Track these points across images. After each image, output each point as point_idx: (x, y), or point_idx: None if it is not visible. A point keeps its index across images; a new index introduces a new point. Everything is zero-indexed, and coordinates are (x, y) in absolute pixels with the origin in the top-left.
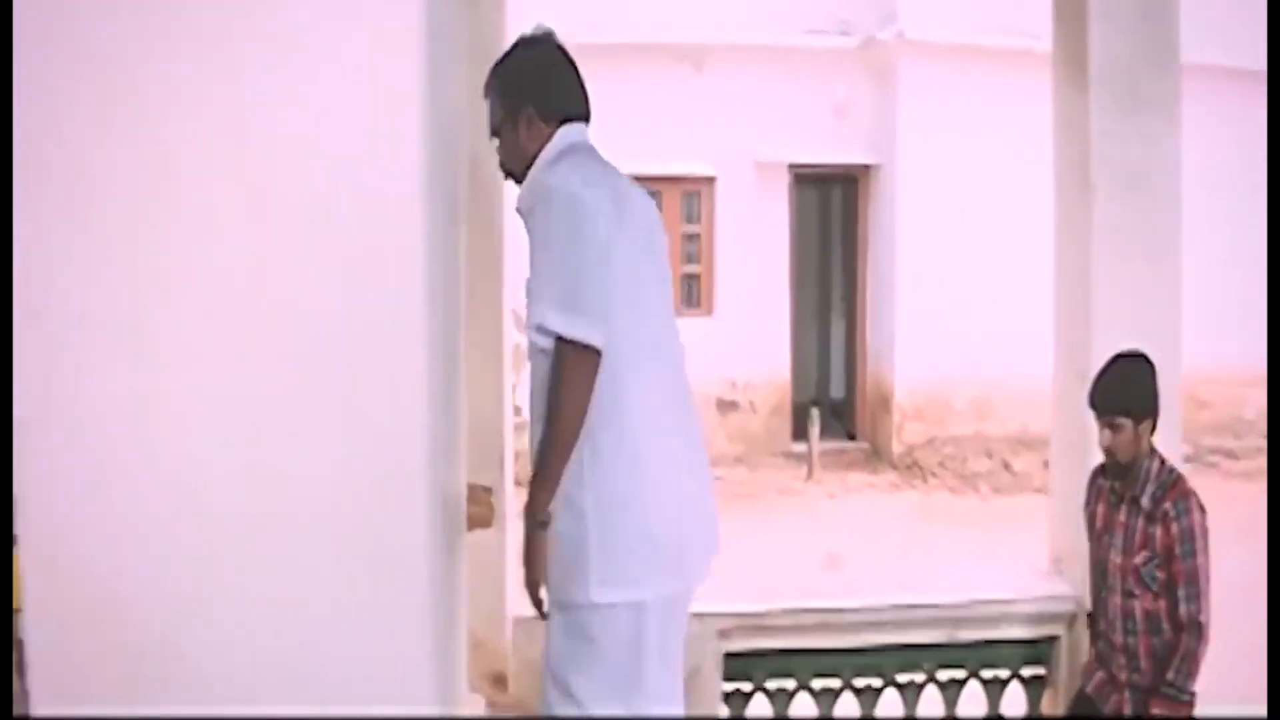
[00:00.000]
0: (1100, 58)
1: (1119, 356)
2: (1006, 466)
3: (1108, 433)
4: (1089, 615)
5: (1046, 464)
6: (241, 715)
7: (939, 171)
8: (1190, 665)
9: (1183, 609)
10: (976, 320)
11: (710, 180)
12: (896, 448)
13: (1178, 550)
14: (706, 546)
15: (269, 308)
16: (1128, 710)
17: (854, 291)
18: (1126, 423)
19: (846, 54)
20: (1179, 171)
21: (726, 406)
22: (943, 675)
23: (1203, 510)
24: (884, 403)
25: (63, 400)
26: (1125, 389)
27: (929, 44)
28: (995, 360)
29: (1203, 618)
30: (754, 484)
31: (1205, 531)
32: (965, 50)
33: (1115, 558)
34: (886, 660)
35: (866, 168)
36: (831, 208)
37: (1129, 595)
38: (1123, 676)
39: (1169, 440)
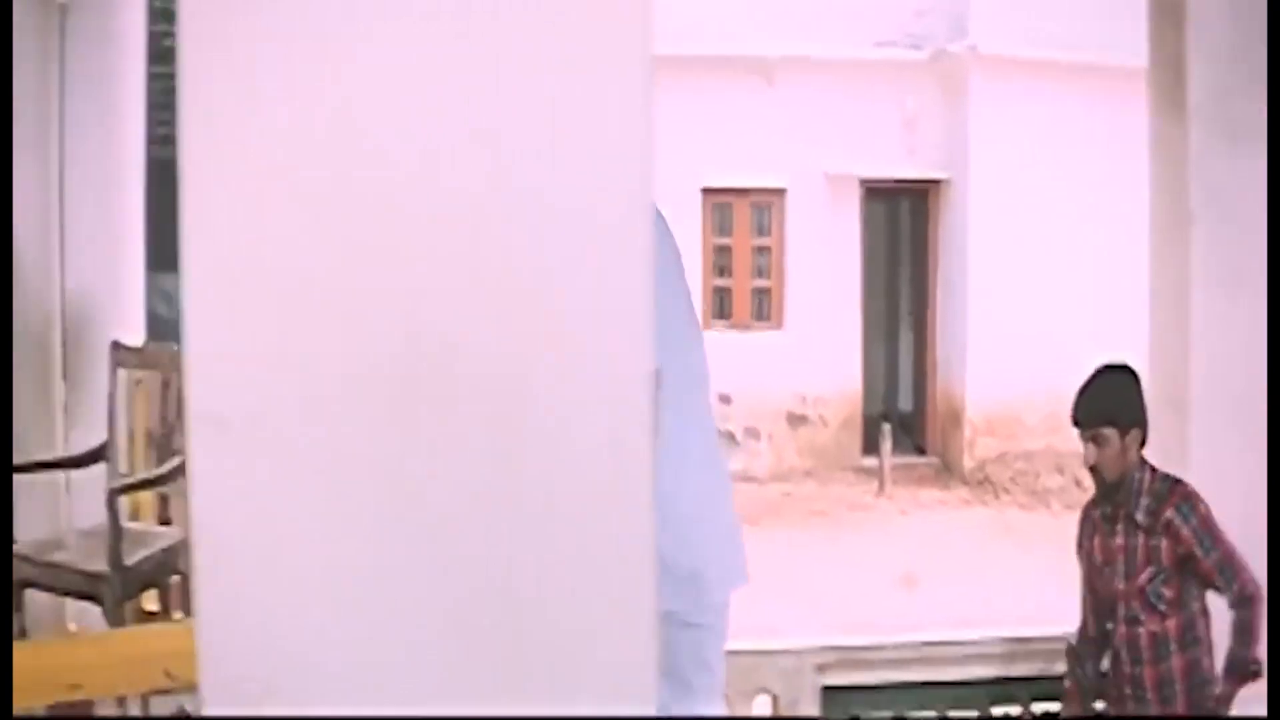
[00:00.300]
0: (1198, 87)
1: (1103, 368)
2: (1078, 483)
3: (1092, 448)
4: (1069, 650)
5: None
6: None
7: (1010, 185)
8: (1250, 636)
9: (1229, 596)
10: (1047, 334)
11: (781, 193)
12: (968, 463)
13: (1199, 551)
14: (728, 577)
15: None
16: None
17: (923, 305)
18: (1111, 434)
19: (917, 67)
20: (1266, 197)
21: (796, 420)
22: (1038, 708)
23: (1204, 503)
24: (955, 417)
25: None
26: (1109, 399)
27: (1000, 57)
28: (1066, 374)
29: (1250, 589)
30: (825, 499)
31: (1213, 517)
32: (1036, 64)
33: (1119, 585)
34: (983, 693)
35: (937, 181)
36: (901, 221)
37: (1133, 622)
38: (1129, 709)
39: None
